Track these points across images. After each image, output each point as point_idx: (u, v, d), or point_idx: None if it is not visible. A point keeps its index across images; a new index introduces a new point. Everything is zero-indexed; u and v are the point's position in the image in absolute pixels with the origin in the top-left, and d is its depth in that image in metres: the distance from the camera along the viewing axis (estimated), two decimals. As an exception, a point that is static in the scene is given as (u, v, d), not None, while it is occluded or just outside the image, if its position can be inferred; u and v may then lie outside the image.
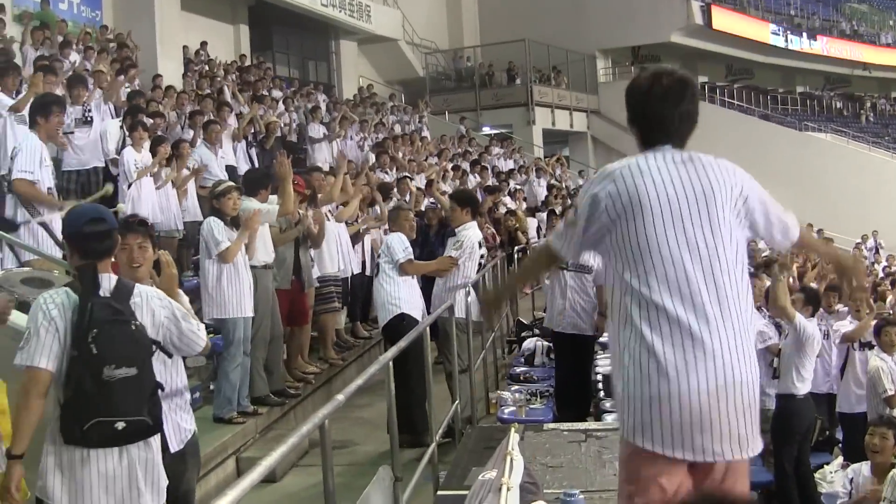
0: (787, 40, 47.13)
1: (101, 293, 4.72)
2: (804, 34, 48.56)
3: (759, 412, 3.88)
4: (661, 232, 3.84)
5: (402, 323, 9.31)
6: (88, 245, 4.74)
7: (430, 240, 13.38)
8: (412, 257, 9.86)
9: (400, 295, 9.60)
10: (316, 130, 20.86)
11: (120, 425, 4.60)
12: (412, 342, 7.16)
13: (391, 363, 5.94)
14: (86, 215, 4.83)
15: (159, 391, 5.34)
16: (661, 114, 4.12)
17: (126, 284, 4.87)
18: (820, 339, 9.54)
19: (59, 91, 12.45)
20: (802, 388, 9.25)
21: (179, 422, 5.63)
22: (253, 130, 17.56)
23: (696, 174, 4.02)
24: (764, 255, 19.28)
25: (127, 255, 5.54)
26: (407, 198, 15.51)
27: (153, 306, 4.90)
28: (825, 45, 48.84)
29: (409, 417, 8.16)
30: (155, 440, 4.89)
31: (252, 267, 9.45)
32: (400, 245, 9.76)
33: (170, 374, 5.52)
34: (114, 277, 4.82)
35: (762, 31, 46.58)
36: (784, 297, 9.03)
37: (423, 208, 15.14)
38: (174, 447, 5.55)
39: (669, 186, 3.92)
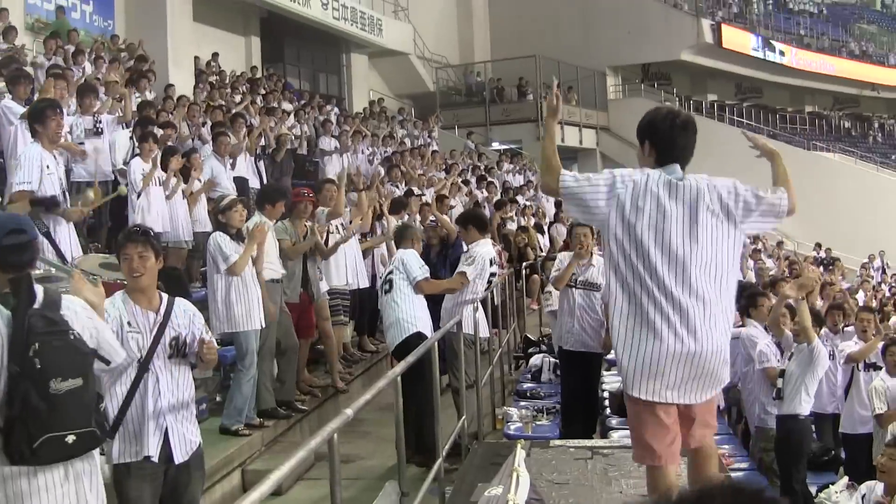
0: (764, 54, 47.02)
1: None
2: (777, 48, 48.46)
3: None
4: (648, 237, 4.91)
5: (418, 341, 8.78)
6: (9, 257, 4.54)
7: (431, 259, 12.50)
8: (428, 275, 9.75)
9: (416, 313, 9.38)
10: (327, 143, 20.88)
11: (70, 439, 4.49)
12: (426, 360, 7.26)
13: (399, 379, 5.94)
14: (4, 227, 4.62)
15: (168, 401, 5.40)
16: (678, 140, 5.17)
17: (54, 295, 4.71)
18: (827, 358, 9.54)
19: (71, 99, 12.52)
20: (806, 408, 9.26)
21: (185, 433, 5.62)
22: (262, 143, 17.58)
23: (688, 191, 5.01)
24: (770, 273, 19.29)
25: (127, 265, 5.54)
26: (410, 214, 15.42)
27: (81, 315, 4.83)
28: (794, 58, 48.61)
29: (421, 438, 8.18)
30: (96, 450, 4.84)
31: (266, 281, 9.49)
32: (416, 262, 9.63)
33: (177, 384, 5.57)
34: (40, 288, 4.66)
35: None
36: (806, 318, 9.03)
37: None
38: (179, 458, 5.56)
39: (665, 199, 4.95)
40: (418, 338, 8.97)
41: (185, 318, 5.70)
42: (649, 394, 4.96)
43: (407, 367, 6.39)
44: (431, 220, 14.26)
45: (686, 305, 4.88)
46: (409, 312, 9.33)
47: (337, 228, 11.94)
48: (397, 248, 10.27)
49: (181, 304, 5.74)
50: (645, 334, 4.92)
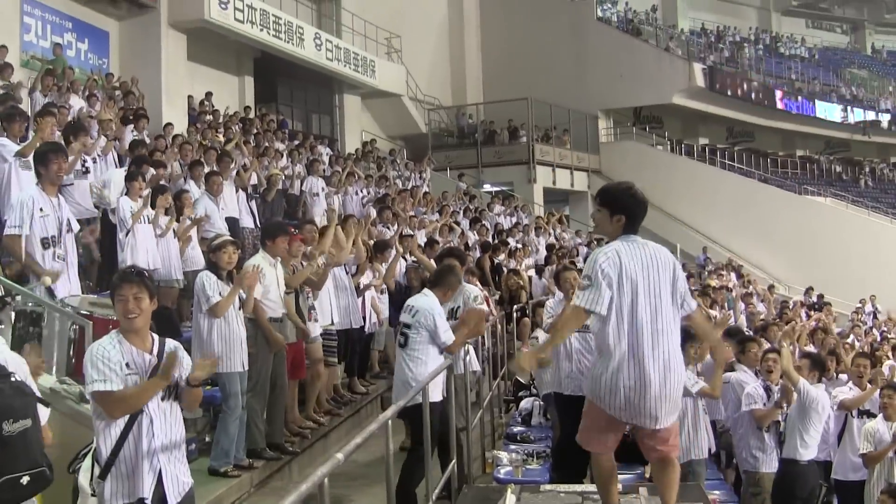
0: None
1: None
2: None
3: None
4: (629, 299, 6.13)
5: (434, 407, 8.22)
6: None
7: None
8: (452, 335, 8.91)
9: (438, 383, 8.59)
10: (314, 183, 20.82)
11: (25, 480, 4.48)
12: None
13: (389, 423, 5.91)
14: None
15: (161, 442, 5.38)
16: (639, 213, 6.40)
17: None
18: (827, 404, 9.54)
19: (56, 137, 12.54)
20: (806, 453, 9.27)
21: (178, 474, 5.59)
22: (254, 182, 17.60)
23: (650, 256, 6.24)
24: (761, 318, 19.31)
25: (122, 307, 5.49)
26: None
27: (9, 360, 4.82)
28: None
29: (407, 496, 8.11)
30: None
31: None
32: (444, 326, 8.79)
33: (170, 426, 5.55)
34: None
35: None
36: (788, 363, 9.13)
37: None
38: (172, 500, 5.52)
39: (637, 266, 6.16)
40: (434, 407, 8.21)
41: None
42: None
43: (398, 411, 6.35)
44: (413, 262, 13.83)
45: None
46: (422, 375, 8.41)
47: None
48: (431, 287, 9.29)
49: (171, 344, 5.71)
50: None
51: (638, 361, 6.06)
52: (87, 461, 5.55)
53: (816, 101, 50.11)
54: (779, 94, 48.09)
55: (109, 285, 5.58)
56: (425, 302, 8.88)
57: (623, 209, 6.36)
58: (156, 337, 5.66)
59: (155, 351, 5.58)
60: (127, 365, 5.40)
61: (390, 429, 5.95)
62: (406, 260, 15.09)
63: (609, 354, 6.13)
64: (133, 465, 5.39)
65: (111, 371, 5.27)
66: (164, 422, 5.50)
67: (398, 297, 12.41)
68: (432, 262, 14.70)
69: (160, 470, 5.45)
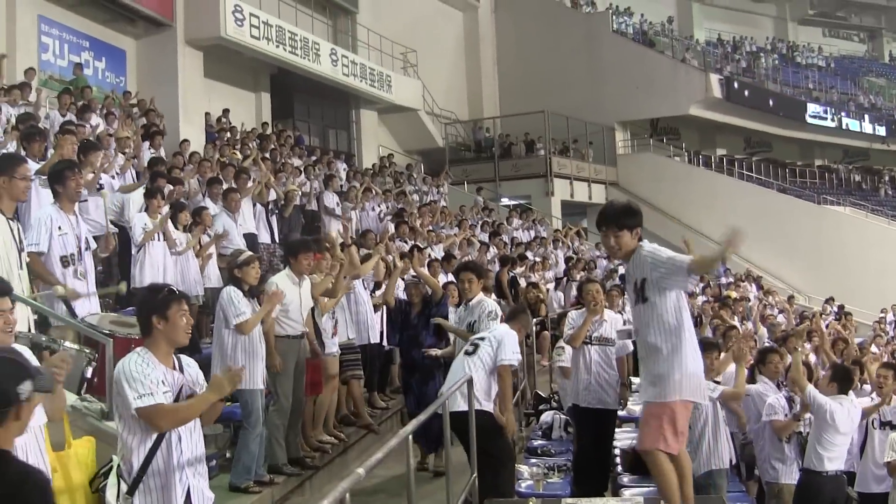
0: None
1: None
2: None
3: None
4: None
5: (482, 419, 8.35)
6: None
7: (412, 321, 11.72)
8: (516, 363, 8.97)
9: (491, 390, 8.68)
10: (330, 199, 20.82)
11: None
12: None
13: (409, 438, 5.88)
14: None
15: (188, 457, 5.44)
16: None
17: None
18: (842, 415, 9.45)
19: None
20: (820, 464, 9.21)
21: (203, 489, 5.59)
22: (273, 198, 17.62)
23: None
24: (782, 329, 19.22)
25: (186, 321, 5.63)
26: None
27: None
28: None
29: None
30: None
31: (282, 337, 9.60)
32: (515, 345, 8.84)
33: (195, 441, 5.57)
34: None
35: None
36: (796, 371, 9.15)
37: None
38: None
39: None
40: (482, 416, 8.39)
41: (194, 372, 5.73)
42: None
43: (419, 425, 6.32)
44: (412, 276, 13.09)
45: None
46: (485, 386, 8.61)
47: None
48: (508, 322, 9.34)
49: (185, 360, 5.76)
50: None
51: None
52: (112, 478, 5.54)
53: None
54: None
55: (157, 301, 5.57)
56: (506, 328, 9.04)
57: (638, 223, 6.89)
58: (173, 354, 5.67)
59: (177, 367, 5.61)
60: (163, 382, 5.40)
61: (410, 443, 5.93)
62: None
63: (682, 342, 6.69)
64: (163, 481, 5.38)
65: (153, 384, 5.29)
66: (190, 437, 5.51)
67: (398, 315, 12.05)
68: (435, 277, 14.71)
69: (188, 485, 5.46)
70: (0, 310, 4.92)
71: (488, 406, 8.51)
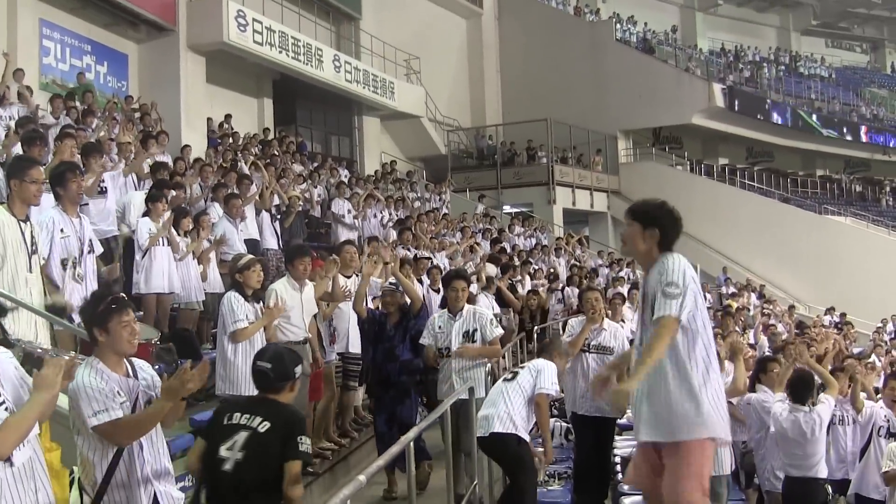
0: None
1: None
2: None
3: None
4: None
5: (516, 447, 8.43)
6: None
7: (388, 333, 10.57)
8: (553, 392, 8.98)
9: (527, 419, 8.66)
10: (339, 206, 20.86)
11: None
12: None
13: (411, 444, 5.87)
14: None
15: (151, 467, 5.37)
16: (673, 229, 6.16)
17: None
18: (789, 424, 9.45)
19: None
20: (791, 470, 9.30)
21: (172, 493, 5.53)
22: (276, 203, 17.62)
23: None
24: (783, 338, 19.21)
25: (129, 332, 5.41)
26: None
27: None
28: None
29: None
30: None
31: (284, 343, 9.42)
32: (553, 377, 8.87)
33: (157, 450, 5.49)
34: None
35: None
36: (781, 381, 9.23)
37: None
38: None
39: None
40: (517, 443, 8.45)
41: (148, 375, 5.60)
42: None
43: (419, 433, 6.30)
44: (391, 283, 11.67)
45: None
46: (523, 413, 8.60)
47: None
48: (538, 355, 9.48)
49: (138, 363, 5.63)
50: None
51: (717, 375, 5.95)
52: (74, 491, 5.51)
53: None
54: (863, 128, 48.19)
55: (97, 312, 5.35)
56: (545, 362, 9.05)
57: (656, 222, 6.13)
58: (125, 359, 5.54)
59: (131, 373, 5.50)
60: (119, 393, 5.28)
61: (412, 451, 5.92)
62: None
63: (703, 372, 5.78)
64: (128, 493, 5.30)
65: (108, 399, 5.17)
66: (152, 446, 5.42)
67: (372, 326, 10.72)
68: (436, 285, 14.66)
69: (154, 491, 5.37)
70: None
71: (524, 435, 8.52)
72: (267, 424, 5.46)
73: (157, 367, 7.84)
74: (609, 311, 11.77)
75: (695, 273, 6.00)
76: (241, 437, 5.46)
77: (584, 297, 10.85)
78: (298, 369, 5.90)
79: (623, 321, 12.31)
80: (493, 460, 8.55)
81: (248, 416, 5.56)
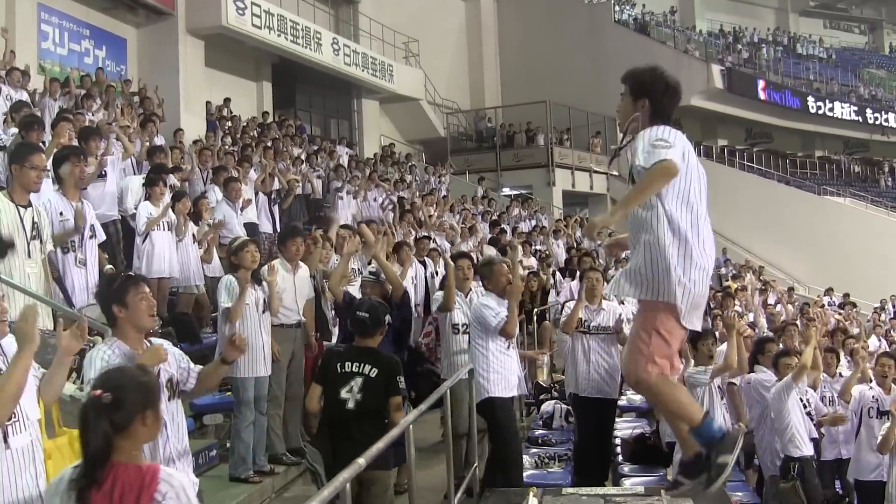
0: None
1: None
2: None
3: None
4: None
5: (491, 408, 8.62)
6: None
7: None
8: (505, 318, 8.76)
9: (489, 376, 8.71)
10: (339, 188, 20.91)
11: None
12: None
13: (410, 427, 5.89)
14: None
15: (174, 447, 5.37)
16: (666, 98, 5.74)
17: None
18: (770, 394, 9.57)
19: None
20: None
21: (191, 476, 5.56)
22: (277, 187, 17.62)
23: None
24: (782, 319, 19.25)
25: (147, 305, 5.45)
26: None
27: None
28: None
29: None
30: None
31: (276, 326, 9.54)
32: (491, 311, 8.80)
33: (178, 429, 5.49)
34: None
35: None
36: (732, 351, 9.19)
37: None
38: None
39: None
40: (490, 403, 8.69)
41: (170, 357, 5.57)
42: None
43: (420, 414, 6.32)
44: (372, 271, 10.36)
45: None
46: (483, 371, 8.79)
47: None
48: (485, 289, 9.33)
49: (157, 342, 5.60)
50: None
51: (702, 243, 5.35)
52: None
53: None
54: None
55: (113, 289, 5.40)
56: (477, 304, 9.14)
57: (645, 92, 5.72)
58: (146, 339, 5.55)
59: None
60: None
61: (412, 433, 5.94)
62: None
63: (677, 237, 5.28)
64: None
65: None
66: (173, 425, 5.41)
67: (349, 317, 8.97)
68: (436, 266, 14.66)
69: None
70: None
71: (496, 391, 8.73)
72: (375, 370, 7.02)
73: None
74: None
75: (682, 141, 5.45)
76: (357, 381, 7.03)
77: (585, 277, 10.88)
78: (387, 318, 7.45)
79: (623, 301, 12.29)
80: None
81: (358, 363, 7.10)
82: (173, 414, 5.43)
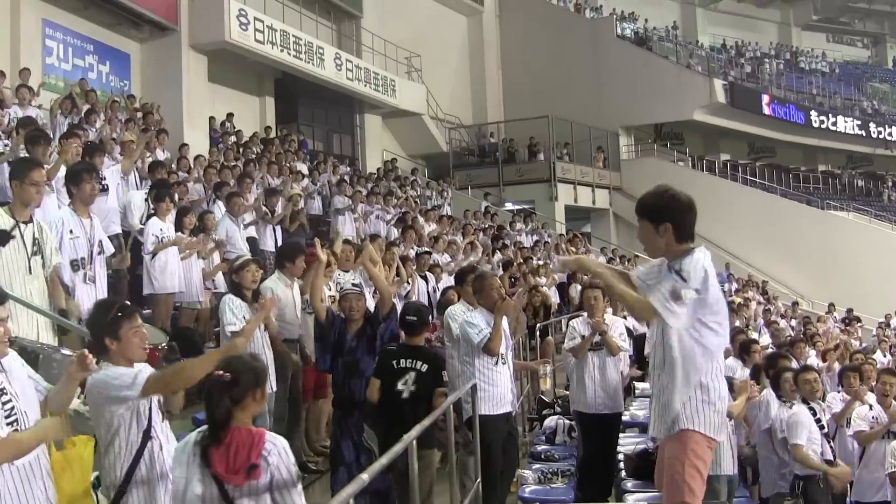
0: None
1: None
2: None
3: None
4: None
5: (475, 425, 8.32)
6: None
7: (349, 344, 8.96)
8: (489, 335, 8.61)
9: (474, 393, 8.37)
10: (340, 202, 20.91)
11: None
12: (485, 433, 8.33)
13: (414, 443, 5.87)
14: None
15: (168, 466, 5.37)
16: (687, 217, 5.59)
17: None
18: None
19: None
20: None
21: None
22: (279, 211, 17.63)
23: None
24: (787, 335, 19.20)
25: (140, 338, 5.53)
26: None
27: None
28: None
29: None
30: None
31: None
32: (474, 328, 8.67)
33: (174, 445, 5.44)
34: None
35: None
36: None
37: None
38: None
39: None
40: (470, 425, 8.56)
41: None
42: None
43: (422, 430, 6.31)
44: (355, 283, 9.54)
45: None
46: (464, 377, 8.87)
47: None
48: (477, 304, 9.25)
49: (147, 365, 5.65)
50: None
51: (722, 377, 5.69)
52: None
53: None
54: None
55: (107, 321, 5.44)
56: (462, 322, 9.00)
57: (665, 215, 5.58)
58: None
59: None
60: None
61: (415, 448, 5.92)
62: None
63: (710, 374, 5.54)
64: (148, 492, 5.35)
65: (129, 377, 5.30)
66: (169, 444, 5.47)
67: (330, 333, 8.96)
68: (439, 282, 14.64)
69: None
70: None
71: (483, 409, 8.62)
72: (426, 366, 8.21)
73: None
74: (611, 306, 11.75)
75: (713, 271, 5.57)
76: (411, 375, 8.20)
77: (584, 295, 10.87)
78: (429, 318, 8.51)
79: (626, 316, 12.26)
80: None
81: (411, 360, 8.27)
82: (167, 434, 5.53)
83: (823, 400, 10.58)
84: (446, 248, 20.51)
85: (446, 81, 41.65)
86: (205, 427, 4.80)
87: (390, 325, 8.97)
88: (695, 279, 5.37)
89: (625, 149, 43.46)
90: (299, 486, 4.74)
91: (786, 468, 9.59)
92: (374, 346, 8.81)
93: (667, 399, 5.55)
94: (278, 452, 4.66)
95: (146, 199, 13.06)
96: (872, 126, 51.11)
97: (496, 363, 8.71)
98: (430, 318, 8.71)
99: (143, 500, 5.33)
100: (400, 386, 8.18)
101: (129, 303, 5.73)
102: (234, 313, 9.00)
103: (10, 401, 4.68)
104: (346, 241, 12.53)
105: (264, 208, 16.00)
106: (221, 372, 4.77)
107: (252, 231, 15.36)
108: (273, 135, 27.94)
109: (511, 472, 9.17)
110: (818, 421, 9.55)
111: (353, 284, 9.36)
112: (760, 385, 10.35)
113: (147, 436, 5.38)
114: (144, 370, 5.39)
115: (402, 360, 8.31)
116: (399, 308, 9.41)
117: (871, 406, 10.53)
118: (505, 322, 8.88)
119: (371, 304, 9.68)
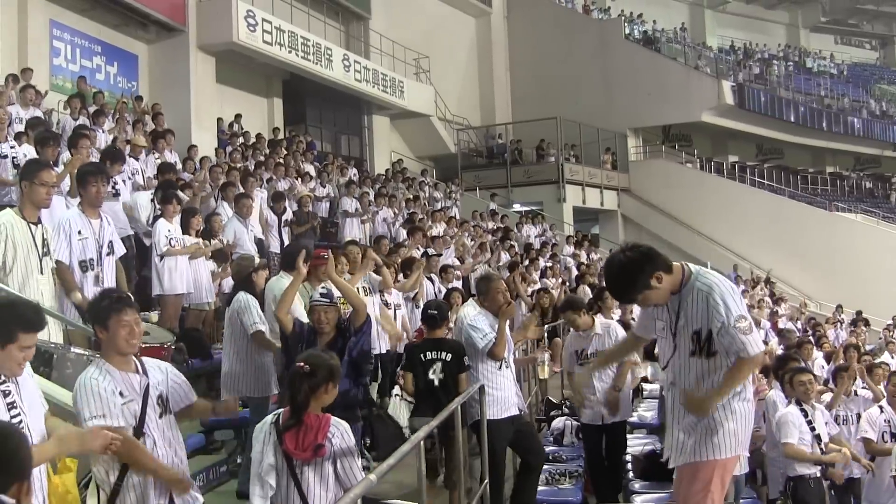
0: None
1: None
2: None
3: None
4: None
5: (480, 430, 8.39)
6: None
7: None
8: (493, 339, 8.60)
9: (479, 398, 8.41)
10: (349, 204, 20.89)
11: None
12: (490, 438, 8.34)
13: (421, 444, 5.86)
14: None
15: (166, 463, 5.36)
16: (656, 255, 5.74)
17: None
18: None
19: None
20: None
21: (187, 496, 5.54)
22: (285, 207, 17.62)
23: None
24: (796, 336, 19.15)
25: (128, 332, 5.31)
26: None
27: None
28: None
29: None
30: None
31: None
32: (479, 332, 8.63)
33: (170, 444, 5.42)
34: None
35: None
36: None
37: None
38: None
39: None
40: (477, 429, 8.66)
41: (160, 373, 5.51)
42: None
43: (429, 431, 6.30)
44: (323, 292, 8.25)
45: None
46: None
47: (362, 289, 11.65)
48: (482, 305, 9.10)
49: (154, 362, 5.59)
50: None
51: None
52: (92, 487, 5.50)
53: None
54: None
55: (98, 310, 5.33)
56: (467, 327, 8.81)
57: (647, 271, 5.63)
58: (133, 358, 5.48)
59: (141, 370, 5.41)
60: (121, 393, 5.21)
61: (422, 449, 5.91)
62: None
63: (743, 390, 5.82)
64: (142, 492, 5.25)
65: (106, 405, 5.12)
66: (165, 442, 5.36)
67: (297, 344, 7.99)
68: (449, 283, 14.61)
69: (170, 493, 5.32)
70: (27, 346, 4.83)
71: (495, 412, 8.65)
72: (450, 355, 8.72)
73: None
74: (601, 309, 11.75)
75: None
76: (438, 365, 8.76)
77: (602, 296, 10.97)
78: (448, 314, 9.32)
79: (613, 315, 12.19)
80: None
81: (437, 352, 8.80)
82: (164, 430, 5.37)
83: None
84: (455, 250, 20.50)
85: (454, 83, 41.64)
86: (279, 411, 5.65)
87: (361, 339, 8.13)
88: (739, 304, 5.63)
89: (633, 150, 43.43)
90: (359, 460, 5.60)
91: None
92: (346, 359, 7.79)
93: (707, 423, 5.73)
94: (341, 434, 5.52)
95: (152, 200, 13.09)
96: (880, 128, 51.01)
97: (500, 367, 8.67)
98: (448, 314, 9.27)
99: (138, 498, 5.27)
100: (430, 375, 8.79)
101: (127, 296, 5.66)
102: (256, 313, 9.14)
103: (18, 414, 4.64)
104: (353, 243, 12.47)
105: (270, 213, 16.03)
106: (302, 364, 5.58)
107: (259, 232, 15.38)
108: (281, 136, 27.93)
109: (538, 462, 9.11)
110: (809, 423, 9.52)
111: (322, 295, 8.13)
112: (768, 380, 10.37)
113: (139, 433, 5.23)
114: (111, 419, 5.13)
115: (429, 353, 8.88)
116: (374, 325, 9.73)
117: (881, 408, 10.53)
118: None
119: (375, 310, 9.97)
